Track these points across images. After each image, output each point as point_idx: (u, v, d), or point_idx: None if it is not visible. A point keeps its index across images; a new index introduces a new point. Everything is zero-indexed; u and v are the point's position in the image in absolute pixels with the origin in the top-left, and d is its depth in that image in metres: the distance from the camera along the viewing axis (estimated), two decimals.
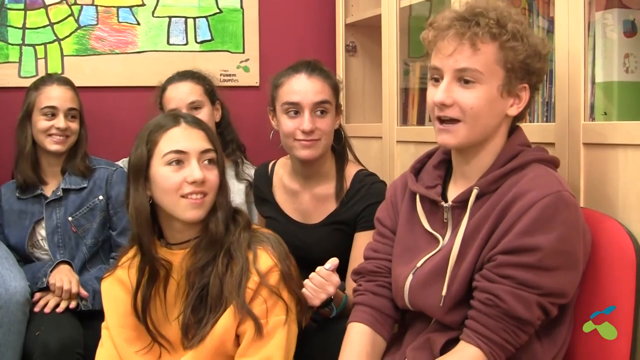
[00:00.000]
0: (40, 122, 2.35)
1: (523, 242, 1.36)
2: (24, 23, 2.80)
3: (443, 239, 1.51)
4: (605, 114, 1.62)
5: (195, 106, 2.48)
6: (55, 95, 2.37)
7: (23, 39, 2.80)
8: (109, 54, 2.89)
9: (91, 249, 2.38)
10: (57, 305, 2.17)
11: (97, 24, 2.87)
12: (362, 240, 1.92)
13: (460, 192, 1.49)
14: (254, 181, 2.28)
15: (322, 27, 3.07)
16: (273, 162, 2.22)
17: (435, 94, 1.47)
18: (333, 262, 1.74)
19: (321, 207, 2.07)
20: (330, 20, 3.03)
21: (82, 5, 2.85)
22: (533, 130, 1.70)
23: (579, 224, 1.40)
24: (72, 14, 2.85)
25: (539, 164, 1.46)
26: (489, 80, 1.44)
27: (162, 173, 1.64)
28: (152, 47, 2.93)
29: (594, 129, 1.60)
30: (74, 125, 2.40)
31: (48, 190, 2.40)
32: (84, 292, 2.21)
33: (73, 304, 2.19)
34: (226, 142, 2.58)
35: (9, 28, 2.79)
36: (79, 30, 2.86)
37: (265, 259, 1.63)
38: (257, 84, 3.01)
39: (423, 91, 2.38)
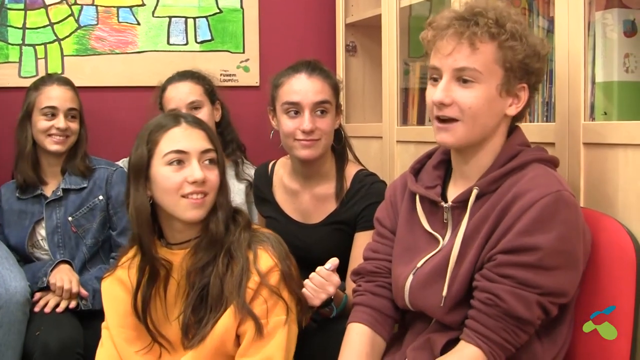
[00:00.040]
0: (40, 122, 2.35)
1: (523, 242, 1.36)
2: (24, 23, 2.80)
3: (443, 239, 1.51)
4: (605, 113, 1.62)
5: (195, 106, 2.48)
6: (55, 96, 2.37)
7: (23, 39, 2.80)
8: (109, 54, 2.89)
9: (91, 249, 2.38)
10: (57, 305, 2.17)
11: (97, 24, 2.87)
12: (362, 240, 1.92)
13: (460, 193, 1.49)
14: (254, 181, 2.28)
15: (322, 27, 3.07)
16: (273, 162, 2.22)
17: (434, 93, 1.47)
18: (333, 262, 1.74)
19: (321, 207, 2.07)
20: (330, 20, 3.03)
21: (82, 5, 2.85)
22: (533, 130, 1.70)
23: (578, 224, 1.40)
24: (72, 14, 2.85)
25: (539, 164, 1.46)
26: (488, 80, 1.44)
27: (162, 173, 1.64)
28: (152, 47, 2.93)
29: (594, 128, 1.60)
30: (74, 125, 2.40)
31: (48, 190, 2.40)
32: (84, 292, 2.21)
33: (73, 304, 2.19)
34: (226, 142, 2.59)
35: (9, 28, 2.79)
36: (79, 30, 2.86)
37: (266, 259, 1.63)
38: (257, 84, 3.02)
39: (423, 91, 2.38)
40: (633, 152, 1.49)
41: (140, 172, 1.65)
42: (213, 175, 1.66)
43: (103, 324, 1.77)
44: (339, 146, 2.08)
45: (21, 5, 2.79)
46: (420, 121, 2.51)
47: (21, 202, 2.39)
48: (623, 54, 1.61)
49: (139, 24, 2.91)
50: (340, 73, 2.91)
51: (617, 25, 1.61)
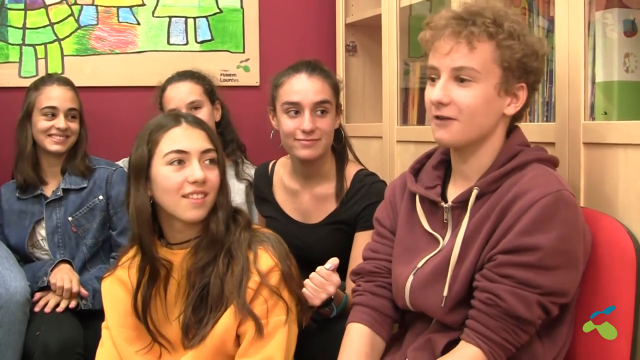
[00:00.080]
0: (41, 122, 2.35)
1: (523, 242, 1.36)
2: (24, 23, 2.80)
3: (443, 239, 1.51)
4: (605, 113, 1.62)
5: (194, 106, 2.48)
6: (55, 96, 2.37)
7: (23, 39, 2.80)
8: (109, 54, 2.89)
9: (91, 248, 2.38)
10: (57, 305, 2.17)
11: (97, 24, 2.87)
12: (362, 240, 1.92)
13: (460, 193, 1.49)
14: (254, 181, 2.28)
15: (322, 27, 3.07)
16: (273, 162, 2.22)
17: (432, 92, 1.47)
18: (333, 261, 1.74)
19: (321, 206, 2.07)
20: (330, 20, 3.03)
21: (82, 5, 2.85)
22: (533, 130, 1.70)
23: (578, 224, 1.40)
24: (72, 14, 2.85)
25: (539, 164, 1.46)
26: (486, 79, 1.44)
27: (163, 173, 1.64)
28: (152, 47, 2.93)
29: (594, 128, 1.60)
30: (74, 126, 2.40)
31: (48, 190, 2.40)
32: (84, 292, 2.21)
33: (73, 304, 2.19)
34: (226, 142, 2.59)
35: (9, 28, 2.79)
36: (79, 30, 2.86)
37: (266, 259, 1.63)
38: (257, 84, 3.02)
39: (423, 91, 2.37)
40: (633, 152, 1.49)
41: (141, 172, 1.65)
42: (213, 175, 1.66)
43: (103, 324, 1.77)
44: (339, 146, 2.08)
45: (21, 5, 2.79)
46: (420, 121, 2.51)
47: (21, 202, 2.39)
48: (623, 53, 1.61)
49: (139, 24, 2.91)
50: (340, 73, 2.91)
51: (617, 25, 1.61)
